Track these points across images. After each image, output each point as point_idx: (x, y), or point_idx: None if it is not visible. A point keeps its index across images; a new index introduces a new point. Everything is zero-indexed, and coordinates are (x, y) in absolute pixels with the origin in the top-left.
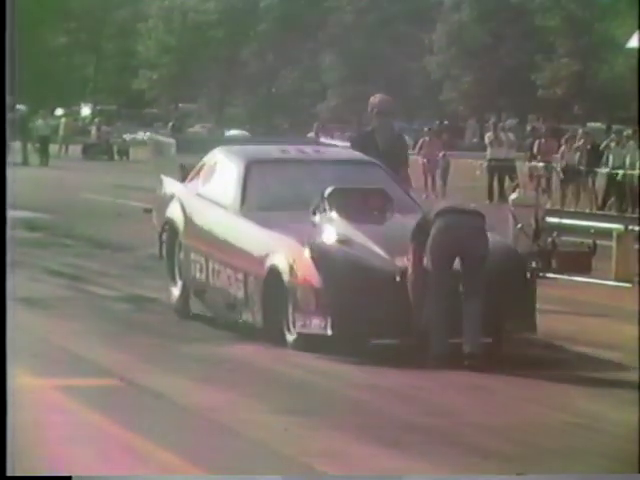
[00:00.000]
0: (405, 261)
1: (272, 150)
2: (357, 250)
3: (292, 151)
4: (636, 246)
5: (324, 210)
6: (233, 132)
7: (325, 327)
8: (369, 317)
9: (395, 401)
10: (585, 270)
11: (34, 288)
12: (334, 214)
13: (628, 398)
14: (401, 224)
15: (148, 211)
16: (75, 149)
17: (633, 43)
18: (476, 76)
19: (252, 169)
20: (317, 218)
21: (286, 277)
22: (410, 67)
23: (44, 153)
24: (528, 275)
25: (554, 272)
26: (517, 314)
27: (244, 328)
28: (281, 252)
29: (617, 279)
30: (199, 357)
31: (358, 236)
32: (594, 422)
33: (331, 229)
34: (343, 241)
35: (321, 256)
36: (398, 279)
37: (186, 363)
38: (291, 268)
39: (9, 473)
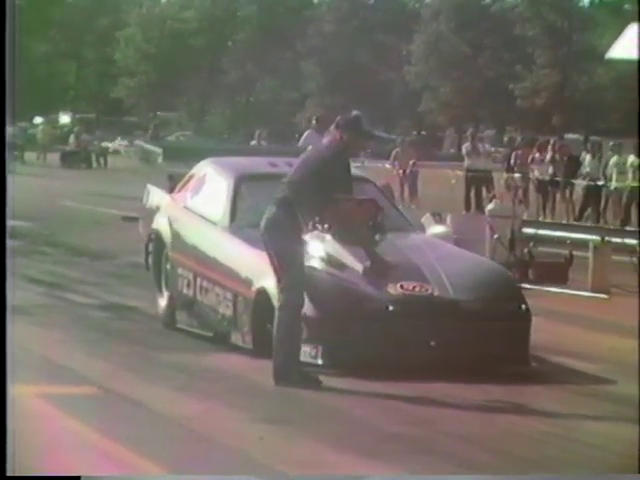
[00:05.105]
0: (398, 288)
1: (261, 164)
2: (348, 275)
3: (281, 165)
4: (612, 257)
5: (315, 224)
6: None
7: (316, 356)
8: (361, 348)
9: (372, 410)
10: (561, 281)
11: (13, 296)
12: (325, 234)
13: (603, 408)
14: (392, 245)
15: (127, 219)
16: (53, 157)
17: (612, 54)
18: (455, 86)
19: (241, 185)
20: (307, 236)
21: (276, 302)
22: (389, 77)
23: (11, 160)
24: (523, 306)
25: (530, 283)
26: (509, 345)
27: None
28: (270, 275)
29: (593, 290)
30: (177, 366)
31: (349, 259)
32: (569, 432)
33: (322, 251)
34: (334, 265)
35: (312, 282)
36: (391, 308)
37: (165, 372)
38: None
39: (9, 473)
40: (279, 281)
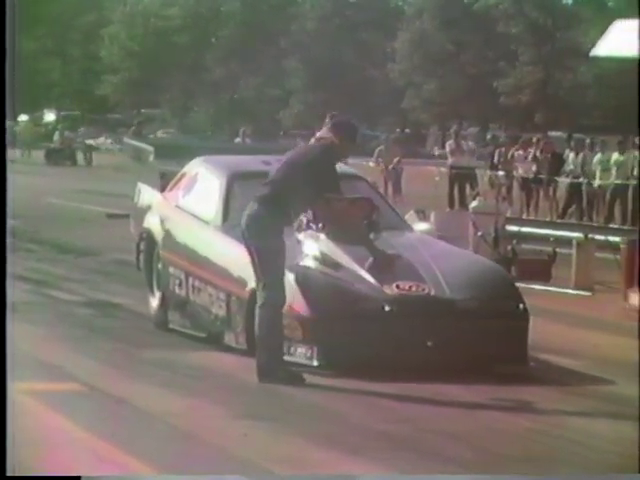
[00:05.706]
0: (394, 288)
1: (254, 162)
2: (344, 275)
3: (274, 163)
4: (596, 254)
5: (309, 223)
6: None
7: (311, 357)
8: (357, 348)
9: (357, 408)
10: (545, 278)
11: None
12: (319, 233)
13: (586, 405)
14: (387, 244)
15: (111, 216)
16: (38, 154)
17: (596, 51)
18: (438, 84)
19: (234, 183)
20: (302, 236)
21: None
22: (372, 75)
23: None
24: (521, 305)
25: (514, 280)
26: (507, 345)
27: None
28: None
29: (577, 287)
30: (162, 363)
31: (344, 258)
32: (552, 429)
33: (316, 250)
34: (329, 264)
35: (306, 282)
36: (387, 308)
37: (149, 369)
38: None
39: (9, 473)
40: (259, 279)
